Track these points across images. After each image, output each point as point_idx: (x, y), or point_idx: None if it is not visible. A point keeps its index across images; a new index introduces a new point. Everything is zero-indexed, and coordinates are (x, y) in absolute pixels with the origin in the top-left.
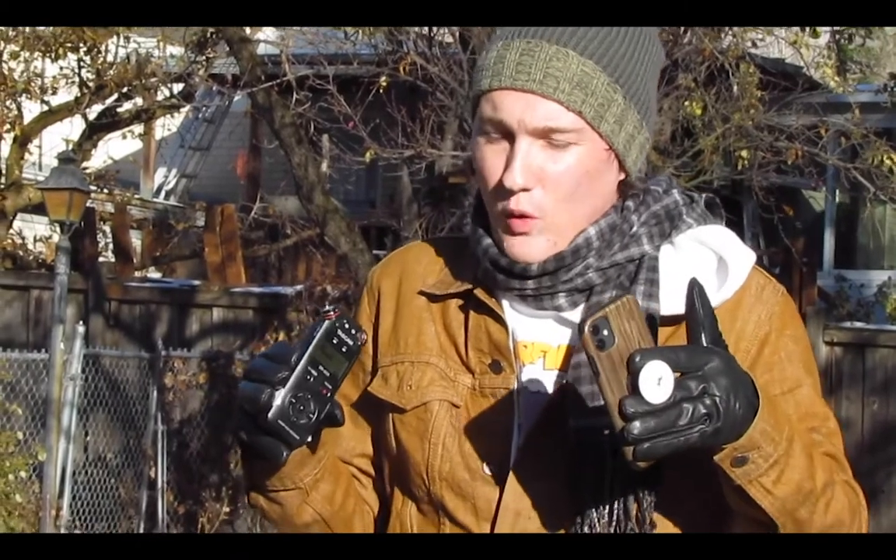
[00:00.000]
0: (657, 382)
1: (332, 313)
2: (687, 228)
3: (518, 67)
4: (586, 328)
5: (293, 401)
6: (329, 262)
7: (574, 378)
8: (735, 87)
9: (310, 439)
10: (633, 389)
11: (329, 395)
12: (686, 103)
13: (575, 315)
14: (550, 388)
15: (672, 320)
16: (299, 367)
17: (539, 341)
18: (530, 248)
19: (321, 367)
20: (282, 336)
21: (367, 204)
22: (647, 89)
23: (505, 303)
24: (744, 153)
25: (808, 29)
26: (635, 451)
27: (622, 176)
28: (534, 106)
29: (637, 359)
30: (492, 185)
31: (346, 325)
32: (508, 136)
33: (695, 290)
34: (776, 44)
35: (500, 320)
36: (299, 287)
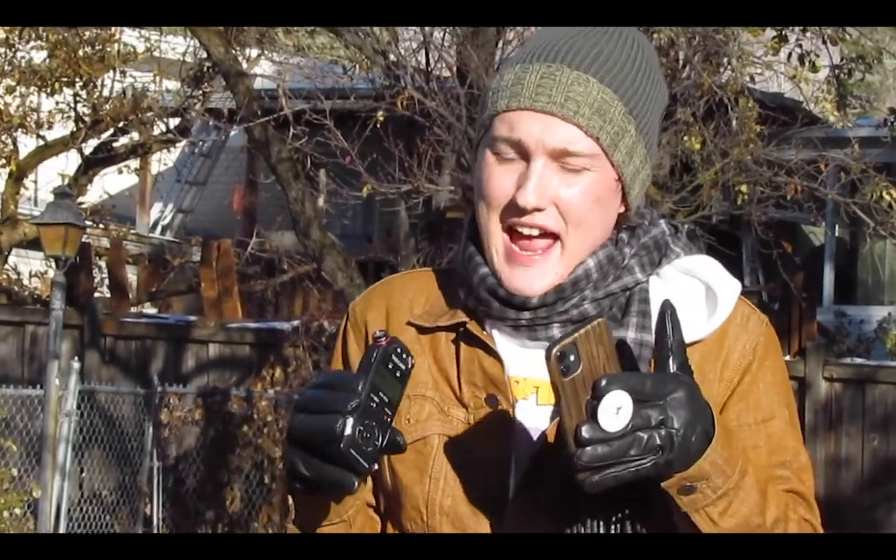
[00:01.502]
0: (616, 411)
1: (383, 339)
2: (675, 257)
3: (538, 89)
4: (552, 355)
5: (361, 429)
6: (326, 298)
7: None
8: (734, 122)
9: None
10: (592, 416)
11: (389, 420)
12: (685, 138)
13: None
14: (544, 424)
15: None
16: (363, 395)
17: (531, 377)
18: (532, 281)
19: (381, 394)
20: (278, 372)
21: (364, 239)
22: (654, 126)
23: (495, 333)
24: (743, 188)
25: (807, 63)
26: (584, 480)
27: (623, 209)
28: (553, 128)
29: (601, 385)
30: (501, 204)
31: (399, 350)
32: (524, 156)
33: (666, 314)
34: (775, 78)
35: (493, 354)
36: (296, 322)
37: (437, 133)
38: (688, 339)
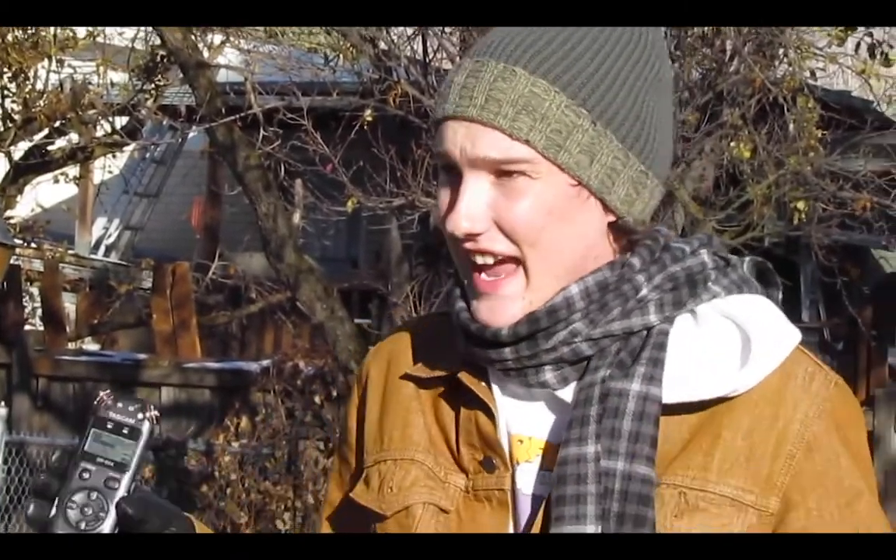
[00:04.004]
0: None
1: (103, 397)
2: (711, 297)
3: (462, 92)
4: None
5: (71, 506)
6: (302, 333)
7: (559, 475)
8: (791, 126)
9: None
10: None
11: (117, 485)
12: (732, 144)
13: (568, 394)
14: (548, 490)
15: (677, 409)
16: (70, 467)
17: (536, 436)
18: (499, 313)
19: (100, 459)
20: (244, 422)
21: (348, 263)
22: (640, 112)
23: (496, 385)
24: (801, 204)
25: (879, 55)
26: None
27: (611, 217)
28: (474, 135)
29: None
30: (445, 233)
31: (120, 404)
32: (456, 172)
33: None
34: (841, 74)
35: (487, 410)
36: (266, 362)
37: None
38: (711, 394)
